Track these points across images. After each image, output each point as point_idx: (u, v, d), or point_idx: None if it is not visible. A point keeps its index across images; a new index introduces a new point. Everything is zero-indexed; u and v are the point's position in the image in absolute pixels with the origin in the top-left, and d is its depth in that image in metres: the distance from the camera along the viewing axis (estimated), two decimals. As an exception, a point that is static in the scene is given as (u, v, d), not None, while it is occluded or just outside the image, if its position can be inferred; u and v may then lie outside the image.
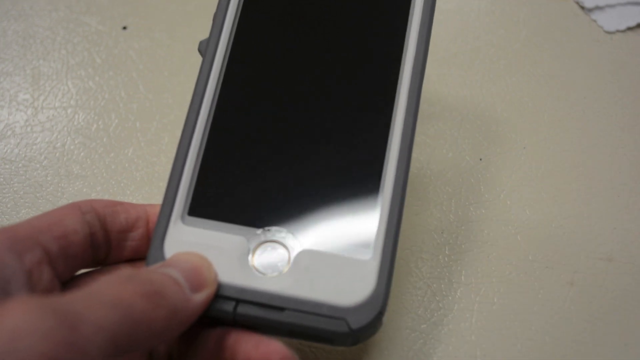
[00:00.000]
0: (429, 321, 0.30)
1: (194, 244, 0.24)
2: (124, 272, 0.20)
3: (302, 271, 0.23)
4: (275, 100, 0.27)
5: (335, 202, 0.25)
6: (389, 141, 0.25)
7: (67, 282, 0.24)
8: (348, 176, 0.25)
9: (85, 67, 0.39)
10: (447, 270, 0.32)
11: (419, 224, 0.33)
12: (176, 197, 0.25)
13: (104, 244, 0.25)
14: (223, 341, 0.23)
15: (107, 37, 0.40)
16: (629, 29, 0.41)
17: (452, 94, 0.38)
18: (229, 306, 0.23)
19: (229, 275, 0.23)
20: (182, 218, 0.25)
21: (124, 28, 0.41)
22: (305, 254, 0.24)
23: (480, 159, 0.35)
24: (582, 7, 0.42)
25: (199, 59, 0.39)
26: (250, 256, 0.24)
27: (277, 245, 0.24)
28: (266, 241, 0.24)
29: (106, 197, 0.34)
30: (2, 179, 0.35)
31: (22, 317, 0.17)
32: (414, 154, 0.33)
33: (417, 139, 0.26)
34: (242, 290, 0.23)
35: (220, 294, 0.23)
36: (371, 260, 0.24)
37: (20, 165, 0.35)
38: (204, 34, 0.40)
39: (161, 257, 0.24)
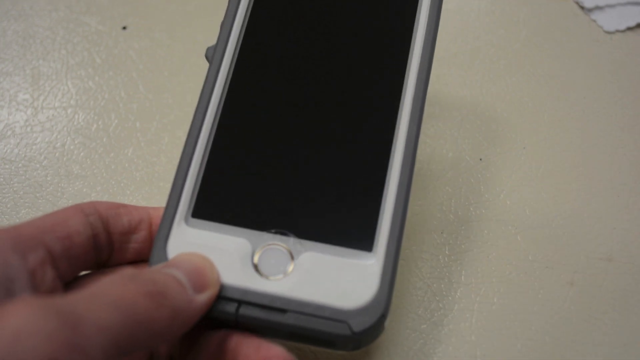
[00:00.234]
0: (429, 321, 0.30)
1: (197, 245, 0.24)
2: (127, 272, 0.21)
3: (305, 274, 0.24)
4: (280, 105, 0.27)
5: (339, 205, 0.25)
6: (393, 146, 0.26)
7: (69, 283, 0.24)
8: (351, 180, 0.25)
9: (85, 67, 0.39)
10: (447, 270, 0.32)
11: (419, 224, 0.33)
12: (180, 199, 0.25)
13: (106, 246, 0.25)
14: (224, 344, 0.23)
15: (107, 37, 0.40)
16: (629, 29, 0.41)
17: (452, 94, 0.38)
18: (231, 307, 0.23)
19: (232, 276, 0.23)
20: (186, 220, 0.25)
21: (124, 28, 0.41)
22: (307, 257, 0.24)
23: (480, 159, 0.35)
24: (582, 7, 0.42)
25: (199, 59, 0.39)
26: (253, 258, 0.24)
27: (280, 248, 0.24)
28: (269, 244, 0.24)
29: (106, 197, 0.34)
30: (2, 179, 0.35)
31: (25, 317, 0.17)
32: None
33: (419, 139, 0.26)
34: (245, 291, 0.23)
35: (222, 295, 0.23)
36: (374, 264, 0.24)
37: (20, 165, 0.35)
38: (204, 34, 0.40)
39: (164, 258, 0.24)
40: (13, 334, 0.17)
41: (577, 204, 0.34)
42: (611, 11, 0.41)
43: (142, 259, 0.26)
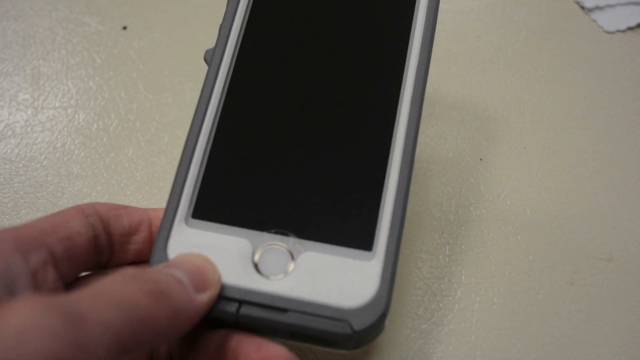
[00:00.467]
0: (429, 321, 0.30)
1: (198, 246, 0.24)
2: (129, 272, 0.21)
3: (305, 273, 0.24)
4: (279, 106, 0.27)
5: (339, 205, 0.25)
6: (392, 145, 0.26)
7: (70, 283, 0.24)
8: (351, 180, 0.25)
9: (85, 67, 0.39)
10: (447, 270, 0.32)
11: (419, 224, 0.33)
12: (180, 200, 0.25)
13: (106, 247, 0.25)
14: (225, 344, 0.23)
15: (107, 37, 0.40)
16: (629, 29, 0.41)
17: (452, 94, 0.38)
18: (232, 307, 0.23)
19: (232, 277, 0.23)
20: (186, 220, 0.25)
21: (124, 28, 0.41)
22: (308, 257, 0.24)
23: (480, 159, 0.35)
24: (582, 7, 0.42)
25: (199, 59, 0.39)
26: (253, 258, 0.24)
27: (280, 248, 0.24)
28: (269, 243, 0.24)
29: (106, 197, 0.34)
30: (2, 179, 0.35)
31: (29, 316, 0.17)
32: (414, 154, 0.33)
33: (417, 139, 0.26)
34: (245, 291, 0.23)
35: (223, 295, 0.23)
36: (374, 263, 0.24)
37: (20, 165, 0.35)
38: (204, 34, 0.40)
39: (164, 258, 0.24)
40: (17, 332, 0.17)
41: (577, 204, 0.34)
42: (611, 11, 0.41)
43: (142, 260, 0.26)
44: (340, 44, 0.28)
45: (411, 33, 0.28)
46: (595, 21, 0.41)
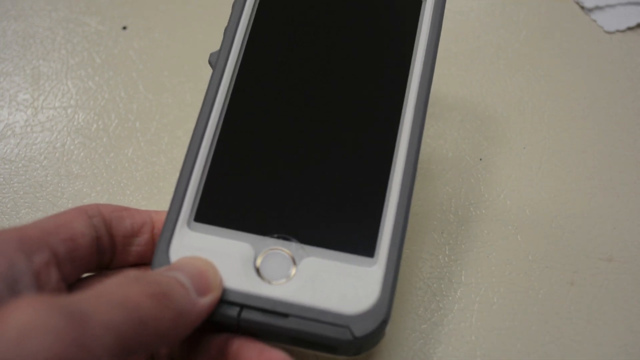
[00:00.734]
0: (429, 321, 0.30)
1: (200, 249, 0.24)
2: (131, 273, 0.21)
3: (307, 279, 0.24)
4: (283, 111, 0.27)
5: (341, 210, 0.25)
6: (395, 153, 0.26)
7: (72, 284, 0.24)
8: (354, 186, 0.25)
9: (85, 67, 0.39)
10: (447, 270, 0.32)
11: (419, 224, 0.33)
12: (183, 203, 0.25)
13: (109, 249, 0.25)
14: (226, 348, 0.23)
15: (107, 37, 0.40)
16: (629, 29, 0.41)
17: (452, 94, 0.38)
18: (233, 311, 0.23)
19: (234, 281, 0.23)
20: (189, 224, 0.25)
21: (124, 28, 0.41)
22: (310, 262, 0.24)
23: (480, 159, 0.35)
24: (582, 7, 0.42)
25: (199, 59, 0.39)
26: (255, 263, 0.24)
27: (282, 253, 0.24)
28: (271, 248, 0.24)
29: (106, 197, 0.34)
30: (2, 179, 0.35)
31: (31, 315, 0.17)
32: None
33: (421, 146, 0.26)
34: (247, 296, 0.23)
35: (225, 299, 0.23)
36: (376, 269, 0.24)
37: (20, 165, 0.35)
38: (204, 34, 0.40)
39: (167, 261, 0.24)
40: (19, 331, 0.17)
41: (577, 204, 0.34)
42: (611, 11, 0.41)
43: (144, 262, 0.26)
44: (345, 48, 0.28)
45: (416, 40, 0.28)
46: (595, 21, 0.41)
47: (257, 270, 0.24)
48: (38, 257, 0.21)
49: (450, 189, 0.34)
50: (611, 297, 0.31)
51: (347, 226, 0.25)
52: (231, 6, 0.29)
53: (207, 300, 0.22)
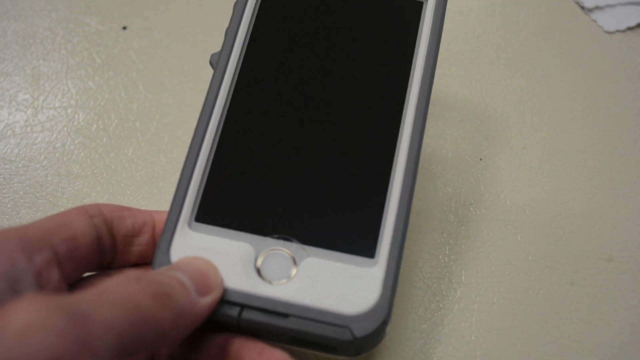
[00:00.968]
0: (429, 321, 0.30)
1: (201, 249, 0.24)
2: (132, 273, 0.21)
3: (308, 279, 0.24)
4: (284, 112, 0.27)
5: (342, 211, 0.25)
6: (396, 154, 0.26)
7: (73, 284, 0.24)
8: (355, 187, 0.25)
9: (85, 67, 0.39)
10: (447, 270, 0.32)
11: (419, 224, 0.33)
12: (184, 203, 0.25)
13: (110, 248, 0.25)
14: (226, 347, 0.23)
15: (107, 37, 0.40)
16: (629, 29, 0.41)
17: (452, 94, 0.38)
18: (233, 311, 0.23)
19: (235, 281, 0.23)
20: (189, 224, 0.25)
21: (124, 28, 0.41)
22: (310, 262, 0.24)
23: (480, 159, 0.35)
24: (582, 7, 0.42)
25: (199, 59, 0.39)
26: (256, 263, 0.24)
27: (283, 253, 0.24)
28: (272, 248, 0.24)
29: (106, 197, 0.34)
30: (2, 179, 0.35)
31: (32, 314, 0.17)
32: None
33: (422, 147, 0.26)
34: (247, 296, 0.23)
35: (225, 299, 0.23)
36: (376, 270, 0.24)
37: (20, 165, 0.35)
38: (204, 34, 0.40)
39: (167, 261, 0.24)
40: (20, 330, 0.17)
41: (577, 204, 0.34)
42: (611, 11, 0.41)
43: (145, 262, 0.26)
44: (346, 50, 0.28)
45: (417, 42, 0.28)
46: (595, 21, 0.41)
47: (258, 271, 0.24)
48: (39, 257, 0.21)
49: (450, 189, 0.34)
50: (611, 297, 0.31)
51: (347, 227, 0.25)
52: (232, 7, 0.29)
53: (207, 300, 0.22)
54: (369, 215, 0.25)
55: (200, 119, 0.26)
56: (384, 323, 0.23)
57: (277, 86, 0.28)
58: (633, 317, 0.30)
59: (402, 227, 0.24)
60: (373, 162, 0.26)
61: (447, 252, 0.32)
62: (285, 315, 0.23)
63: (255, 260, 0.24)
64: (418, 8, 0.29)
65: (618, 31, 0.41)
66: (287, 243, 0.24)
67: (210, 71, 0.28)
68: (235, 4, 0.29)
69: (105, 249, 0.25)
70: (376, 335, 0.23)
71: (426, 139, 0.36)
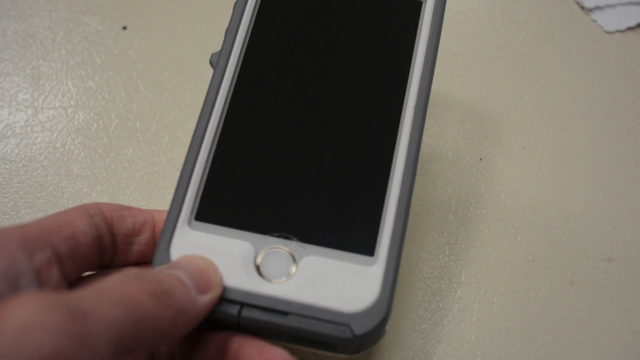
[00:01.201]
0: (429, 321, 0.30)
1: (200, 248, 0.24)
2: (132, 271, 0.21)
3: (307, 277, 0.24)
4: (284, 111, 0.27)
5: (341, 209, 0.25)
6: (395, 152, 0.26)
7: (73, 283, 0.24)
8: (354, 185, 0.26)
9: (85, 67, 0.39)
10: (447, 270, 0.32)
11: (419, 224, 0.33)
12: (184, 202, 0.25)
13: (110, 247, 0.25)
14: (226, 346, 0.23)
15: (107, 37, 0.40)
16: (629, 29, 0.41)
17: (452, 94, 0.38)
18: (233, 309, 0.23)
19: (234, 279, 0.24)
20: (189, 222, 0.25)
21: (124, 28, 0.41)
22: (310, 260, 0.24)
23: (480, 159, 0.35)
24: (582, 7, 0.42)
25: (199, 59, 0.39)
26: (255, 261, 0.24)
27: (282, 251, 0.24)
28: (272, 247, 0.24)
29: (106, 197, 0.34)
30: (2, 179, 0.35)
31: (32, 311, 0.17)
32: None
33: (421, 145, 0.26)
34: (247, 294, 0.23)
35: (225, 297, 0.23)
36: (376, 268, 0.24)
37: (20, 165, 0.35)
38: (204, 34, 0.40)
39: (167, 260, 0.24)
40: (20, 327, 0.17)
41: (577, 204, 0.34)
42: (611, 11, 0.41)
43: (145, 261, 0.26)
44: (346, 49, 0.28)
45: (416, 41, 0.28)
46: (595, 21, 0.41)
47: (258, 269, 0.24)
48: (39, 255, 0.22)
49: (450, 189, 0.34)
50: (611, 297, 0.31)
51: (347, 225, 0.25)
52: (232, 6, 0.29)
53: (207, 299, 0.22)
54: (369, 213, 0.25)
55: (200, 118, 0.27)
56: (384, 320, 0.23)
57: (276, 85, 0.28)
58: (633, 317, 0.30)
59: (402, 225, 0.24)
60: (372, 159, 0.26)
61: (447, 252, 0.32)
62: (285, 314, 0.23)
63: (255, 258, 0.24)
64: (417, 7, 0.29)
65: (618, 31, 0.41)
66: (287, 241, 0.25)
67: (210, 71, 0.28)
68: (235, 3, 0.29)
69: (106, 248, 0.25)
70: (376, 333, 0.23)
71: (426, 139, 0.36)
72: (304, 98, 0.27)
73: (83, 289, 0.19)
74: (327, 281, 0.24)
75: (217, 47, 0.29)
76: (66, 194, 0.34)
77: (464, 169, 0.35)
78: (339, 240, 0.25)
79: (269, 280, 0.24)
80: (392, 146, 0.26)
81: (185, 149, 0.26)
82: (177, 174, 0.26)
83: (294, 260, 0.24)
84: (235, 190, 0.26)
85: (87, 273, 0.25)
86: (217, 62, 0.28)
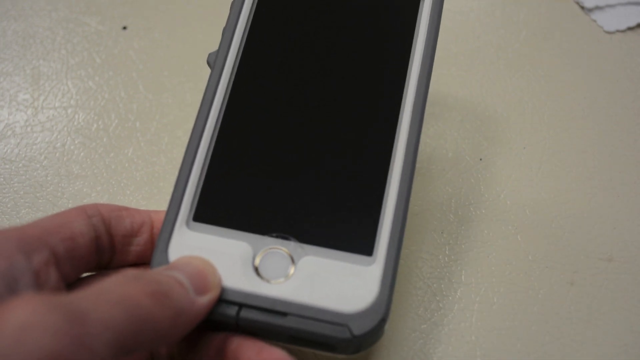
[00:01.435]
0: (429, 321, 0.30)
1: (199, 248, 0.24)
2: (130, 272, 0.21)
3: (306, 278, 0.24)
4: (281, 111, 0.27)
5: (340, 209, 0.25)
6: (393, 151, 0.26)
7: (71, 284, 0.24)
8: (352, 185, 0.25)
9: (85, 67, 0.39)
10: (447, 270, 0.32)
11: (419, 224, 0.33)
12: (182, 203, 0.25)
13: (108, 248, 0.25)
14: (225, 347, 0.23)
15: (107, 37, 0.40)
16: (629, 29, 0.41)
17: (452, 94, 0.38)
18: (232, 310, 0.23)
19: (233, 280, 0.23)
20: (187, 223, 0.25)
21: (124, 28, 0.41)
22: (308, 261, 0.24)
23: (480, 159, 0.35)
24: (582, 7, 0.42)
25: (199, 59, 0.39)
26: (254, 262, 0.24)
27: (281, 252, 0.24)
28: (270, 247, 0.24)
29: (106, 197, 0.34)
30: (2, 179, 0.35)
31: (30, 313, 0.17)
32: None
33: (419, 144, 0.26)
34: (246, 295, 0.23)
35: (223, 298, 0.23)
36: (374, 268, 0.24)
37: (20, 165, 0.35)
38: (204, 34, 0.40)
39: (165, 261, 0.24)
40: (18, 328, 0.17)
41: (577, 204, 0.34)
42: (611, 11, 0.41)
43: (143, 261, 0.26)
44: (343, 47, 0.28)
45: (414, 38, 0.28)
46: (595, 21, 0.41)
47: (256, 269, 0.24)
48: (37, 257, 0.21)
49: (450, 189, 0.34)
50: (611, 297, 0.31)
51: (345, 225, 0.25)
52: (230, 6, 0.29)
53: (205, 299, 0.22)
54: (367, 213, 0.25)
55: (197, 118, 0.26)
56: (383, 321, 0.23)
57: (273, 84, 0.28)
58: (633, 317, 0.30)
59: (400, 225, 0.24)
60: (370, 159, 0.26)
61: (447, 252, 0.32)
62: (283, 314, 0.23)
63: (253, 259, 0.24)
64: (415, 4, 0.29)
65: (618, 31, 0.41)
66: (285, 242, 0.24)
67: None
68: (232, 2, 0.29)
69: (104, 248, 0.25)
70: (375, 333, 0.23)
71: (426, 139, 0.36)
72: (300, 97, 0.27)
73: (81, 290, 0.19)
74: (325, 281, 0.24)
75: (217, 47, 0.29)
76: (66, 194, 0.34)
77: (464, 169, 0.35)
78: (337, 240, 0.25)
79: (268, 281, 0.24)
80: (390, 145, 0.26)
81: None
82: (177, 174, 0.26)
83: (293, 260, 0.24)
84: (233, 191, 0.26)
85: (85, 274, 0.25)
86: (215, 61, 0.28)
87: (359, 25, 0.29)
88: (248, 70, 0.28)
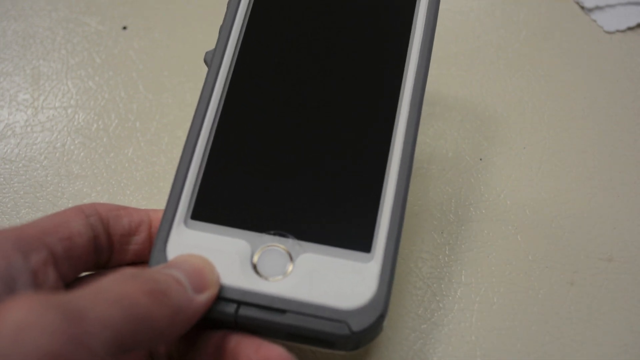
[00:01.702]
0: (429, 321, 0.30)
1: (197, 247, 0.24)
2: (128, 271, 0.21)
3: (304, 274, 0.24)
4: (278, 108, 0.27)
5: (337, 206, 0.25)
6: (391, 148, 0.26)
7: (70, 284, 0.24)
8: (350, 182, 0.25)
9: (85, 67, 0.39)
10: (447, 270, 0.32)
11: (419, 224, 0.33)
12: (179, 201, 0.25)
13: (106, 248, 0.25)
14: (224, 344, 0.23)
15: (107, 37, 0.40)
16: (629, 29, 0.41)
17: (452, 94, 0.38)
18: (230, 308, 0.23)
19: (231, 278, 0.23)
20: (185, 222, 0.25)
21: (124, 28, 0.41)
22: (306, 258, 0.24)
23: (480, 159, 0.35)
24: (582, 7, 0.42)
25: (199, 59, 0.39)
26: (252, 259, 0.24)
27: (279, 249, 0.24)
28: (268, 245, 0.24)
29: (106, 197, 0.34)
30: (2, 179, 0.35)
31: (28, 312, 0.17)
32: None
33: (417, 139, 0.26)
34: (244, 292, 0.23)
35: (222, 296, 0.23)
36: (372, 264, 0.24)
37: (20, 165, 0.35)
38: (204, 34, 0.40)
39: (163, 259, 0.24)
40: (16, 328, 0.17)
41: (577, 204, 0.34)
42: (611, 11, 0.41)
43: (141, 260, 0.26)
44: (340, 46, 0.28)
45: (411, 37, 0.28)
46: (595, 21, 0.41)
47: (254, 267, 0.24)
48: (35, 257, 0.21)
49: (450, 189, 0.34)
50: (611, 297, 0.31)
51: (343, 222, 0.25)
52: (227, 4, 0.29)
53: (204, 297, 0.22)
54: (365, 209, 0.25)
55: (195, 116, 0.26)
56: (381, 317, 0.23)
57: (270, 83, 0.28)
58: (633, 317, 0.30)
59: (398, 221, 0.24)
60: (368, 156, 0.26)
61: (447, 252, 0.32)
62: (282, 311, 0.23)
63: (252, 256, 0.24)
64: (412, 3, 0.29)
65: (618, 31, 0.41)
66: (283, 239, 0.24)
67: (209, 71, 0.28)
68: (229, 1, 0.29)
69: (102, 248, 0.25)
70: (373, 329, 0.23)
71: (426, 139, 0.36)
72: (297, 95, 0.27)
73: (79, 290, 0.19)
74: (324, 278, 0.24)
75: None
76: (66, 194, 0.34)
77: (464, 169, 0.35)
78: (335, 237, 0.25)
79: (266, 279, 0.24)
80: (387, 142, 0.26)
81: (184, 149, 0.26)
82: (176, 174, 0.26)
83: (291, 258, 0.24)
84: (230, 189, 0.26)
85: (83, 274, 0.25)
86: (212, 60, 0.28)
87: (355, 24, 0.29)
88: (245, 68, 0.28)
